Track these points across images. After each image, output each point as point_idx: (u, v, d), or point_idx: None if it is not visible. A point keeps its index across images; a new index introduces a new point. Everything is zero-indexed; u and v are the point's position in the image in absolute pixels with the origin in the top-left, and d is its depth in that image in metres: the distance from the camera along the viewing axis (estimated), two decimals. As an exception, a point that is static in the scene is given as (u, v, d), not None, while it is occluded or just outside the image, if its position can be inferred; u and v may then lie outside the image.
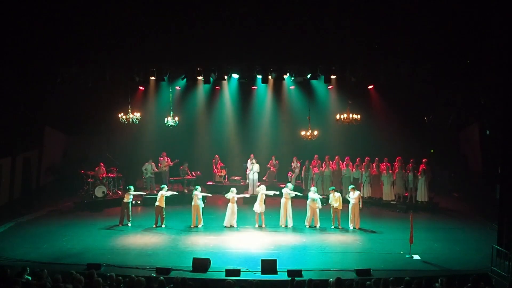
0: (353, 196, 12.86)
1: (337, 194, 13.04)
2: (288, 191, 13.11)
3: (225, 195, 13.20)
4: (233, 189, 13.23)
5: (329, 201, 13.07)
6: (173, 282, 7.80)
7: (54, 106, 16.18)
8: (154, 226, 13.07)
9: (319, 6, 11.86)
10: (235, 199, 13.07)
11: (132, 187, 13.55)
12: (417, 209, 14.70)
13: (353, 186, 13.47)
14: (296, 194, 13.33)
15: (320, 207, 13.04)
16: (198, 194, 13.08)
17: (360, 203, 12.98)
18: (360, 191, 15.23)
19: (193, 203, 13.07)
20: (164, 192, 13.22)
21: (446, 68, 12.72)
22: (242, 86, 18.57)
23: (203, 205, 13.33)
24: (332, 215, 13.00)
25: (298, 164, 17.83)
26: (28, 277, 7.82)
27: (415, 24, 11.78)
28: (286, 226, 13.06)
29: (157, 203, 13.11)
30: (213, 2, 12.08)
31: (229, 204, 13.08)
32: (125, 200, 13.27)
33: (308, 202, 13.08)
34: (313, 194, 13.04)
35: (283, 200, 13.17)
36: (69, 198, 16.43)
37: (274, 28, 12.05)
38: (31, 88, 14.19)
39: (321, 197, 13.31)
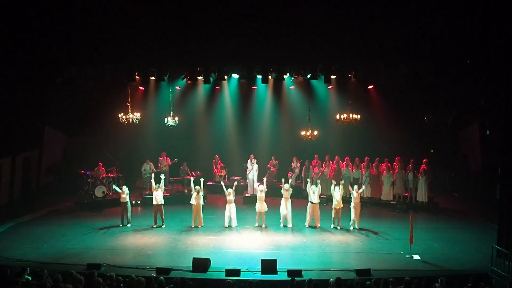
0: (354, 195, 12.85)
1: (337, 188, 13.00)
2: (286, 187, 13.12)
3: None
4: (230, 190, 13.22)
5: (331, 191, 13.03)
6: (173, 282, 7.81)
7: (54, 106, 16.19)
8: (153, 225, 13.07)
9: (319, 6, 11.86)
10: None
11: (120, 188, 13.40)
12: (417, 209, 14.70)
13: (356, 186, 13.33)
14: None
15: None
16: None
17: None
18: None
19: (194, 203, 13.05)
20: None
21: (446, 68, 12.72)
22: (242, 86, 18.58)
23: (203, 202, 13.29)
24: (332, 215, 13.00)
25: (298, 164, 17.83)
26: (28, 277, 7.83)
27: (415, 24, 11.78)
28: (285, 226, 13.06)
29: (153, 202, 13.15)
30: (213, 2, 12.08)
31: (226, 205, 13.15)
32: (121, 200, 13.24)
33: (308, 206, 13.05)
34: (314, 198, 13.01)
35: (282, 200, 13.17)
36: (69, 198, 16.42)
37: (274, 28, 12.04)
38: (31, 88, 14.20)
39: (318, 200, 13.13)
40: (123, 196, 13.16)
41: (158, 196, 13.09)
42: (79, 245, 11.33)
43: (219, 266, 9.62)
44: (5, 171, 14.44)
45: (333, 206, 12.96)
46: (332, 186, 13.13)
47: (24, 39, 12.22)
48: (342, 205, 12.90)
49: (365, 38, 12.07)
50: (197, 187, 13.13)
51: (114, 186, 14.42)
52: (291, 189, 13.28)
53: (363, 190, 15.62)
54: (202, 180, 13.55)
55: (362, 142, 17.70)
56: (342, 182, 13.43)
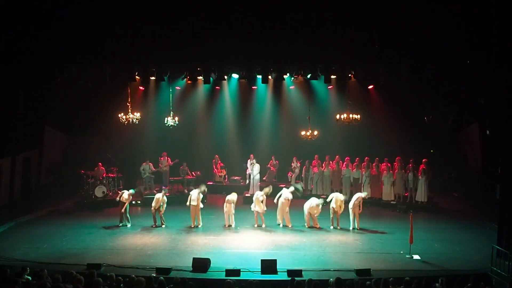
0: (354, 199, 12.81)
1: (341, 197, 12.97)
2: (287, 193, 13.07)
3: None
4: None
5: (330, 203, 13.00)
6: (173, 282, 7.81)
7: (54, 106, 16.18)
8: (153, 225, 13.07)
9: (319, 6, 11.86)
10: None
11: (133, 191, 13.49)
12: (417, 209, 14.69)
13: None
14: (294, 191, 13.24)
15: (320, 208, 13.00)
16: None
17: (360, 207, 12.88)
18: (360, 191, 15.22)
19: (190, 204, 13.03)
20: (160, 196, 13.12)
21: (446, 68, 12.71)
22: (242, 86, 18.58)
23: (202, 206, 13.31)
24: (331, 215, 12.98)
25: (298, 164, 17.83)
26: (28, 277, 7.83)
27: (415, 24, 11.77)
28: (285, 226, 13.05)
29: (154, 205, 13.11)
30: (213, 2, 12.08)
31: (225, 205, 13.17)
32: (121, 200, 13.17)
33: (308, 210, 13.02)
34: (316, 201, 12.96)
35: (281, 200, 13.12)
36: (69, 198, 16.43)
37: (274, 28, 12.04)
38: (31, 88, 14.19)
39: (319, 201, 13.04)
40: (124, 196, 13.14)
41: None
42: (79, 245, 11.33)
43: (219, 266, 9.62)
44: (5, 171, 14.43)
45: (331, 206, 12.91)
46: (329, 198, 13.01)
47: (24, 39, 12.20)
48: (341, 209, 12.85)
49: (365, 38, 12.06)
50: (205, 189, 13.23)
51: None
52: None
53: (363, 190, 15.66)
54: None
55: (362, 142, 17.69)
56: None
